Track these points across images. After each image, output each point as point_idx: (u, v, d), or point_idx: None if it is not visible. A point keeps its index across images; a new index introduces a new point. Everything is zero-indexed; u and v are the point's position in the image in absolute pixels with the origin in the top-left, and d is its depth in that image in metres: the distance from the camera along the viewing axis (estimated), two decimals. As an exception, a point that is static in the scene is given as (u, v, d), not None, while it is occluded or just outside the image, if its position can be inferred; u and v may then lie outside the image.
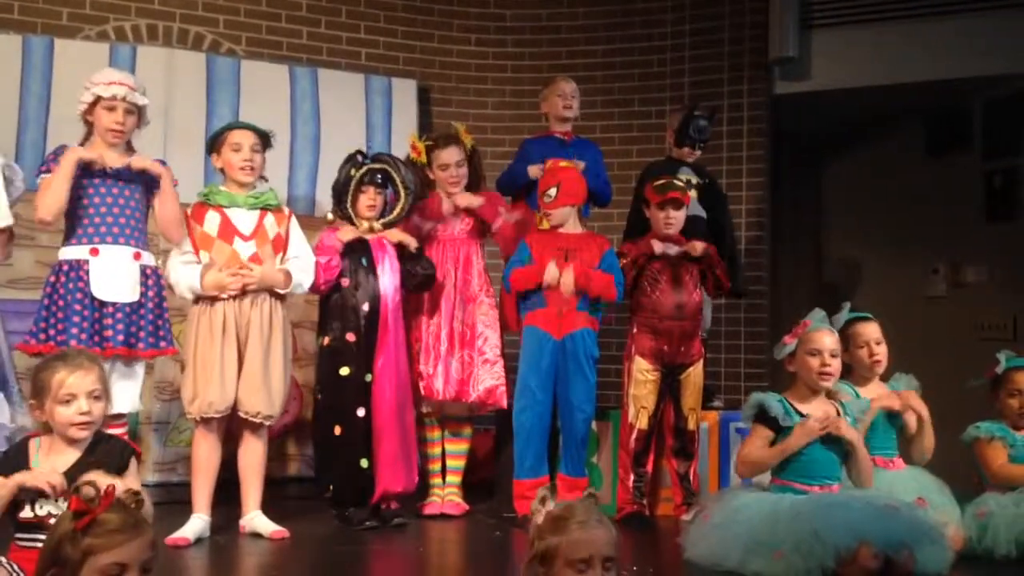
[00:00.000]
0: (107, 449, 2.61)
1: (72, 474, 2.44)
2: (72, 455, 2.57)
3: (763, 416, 3.27)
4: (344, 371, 3.93)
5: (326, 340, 3.99)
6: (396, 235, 4.05)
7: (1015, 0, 5.13)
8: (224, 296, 3.65)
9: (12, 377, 3.46)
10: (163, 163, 3.68)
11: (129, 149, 3.70)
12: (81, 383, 2.56)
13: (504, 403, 4.21)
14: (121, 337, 3.48)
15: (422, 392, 4.17)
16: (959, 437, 3.65)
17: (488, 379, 4.19)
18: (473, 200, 4.24)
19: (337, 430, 3.92)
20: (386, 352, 3.96)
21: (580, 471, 4.17)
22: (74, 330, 3.42)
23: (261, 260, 3.72)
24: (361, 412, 3.91)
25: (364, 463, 3.90)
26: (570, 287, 4.04)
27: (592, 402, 4.16)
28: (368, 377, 3.93)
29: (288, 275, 3.74)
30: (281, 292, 3.74)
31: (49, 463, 2.54)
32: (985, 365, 3.77)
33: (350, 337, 3.94)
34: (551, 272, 4.05)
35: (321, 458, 4.07)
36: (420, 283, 4.10)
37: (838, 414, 3.29)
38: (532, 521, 2.05)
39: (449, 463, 4.33)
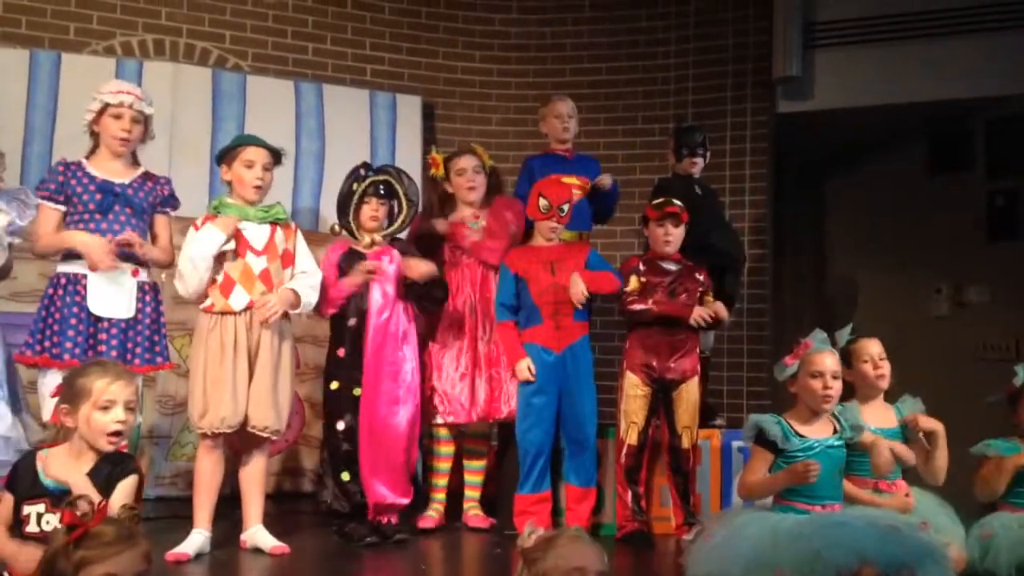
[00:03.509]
0: (117, 466, 2.61)
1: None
2: (87, 466, 2.58)
3: (762, 438, 3.26)
4: (333, 385, 3.96)
5: (340, 352, 4.00)
6: (417, 267, 3.96)
7: (1017, 21, 5.15)
8: (234, 311, 3.65)
9: (20, 390, 3.46)
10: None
11: (135, 162, 3.72)
12: (122, 392, 2.60)
13: None
14: (115, 353, 3.47)
15: (440, 414, 4.20)
16: (963, 457, 3.63)
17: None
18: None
19: (331, 443, 3.95)
20: (375, 366, 3.95)
21: (591, 480, 4.17)
22: (68, 344, 3.42)
23: (271, 275, 3.72)
24: (340, 425, 3.91)
25: (345, 476, 3.90)
26: (580, 293, 4.02)
27: (596, 410, 4.17)
28: (357, 391, 3.93)
29: (298, 296, 3.75)
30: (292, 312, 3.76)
31: (62, 475, 2.55)
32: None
33: (340, 352, 3.96)
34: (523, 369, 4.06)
35: (320, 471, 4.11)
36: (436, 304, 4.13)
37: (835, 431, 3.28)
38: (521, 546, 2.07)
39: (468, 479, 4.36)
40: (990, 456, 3.52)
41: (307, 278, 3.81)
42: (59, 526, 1.95)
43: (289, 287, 3.74)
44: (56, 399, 2.73)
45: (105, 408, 2.57)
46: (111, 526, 1.92)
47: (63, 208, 3.58)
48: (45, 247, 3.61)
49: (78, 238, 3.50)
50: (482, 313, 4.28)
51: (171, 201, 3.77)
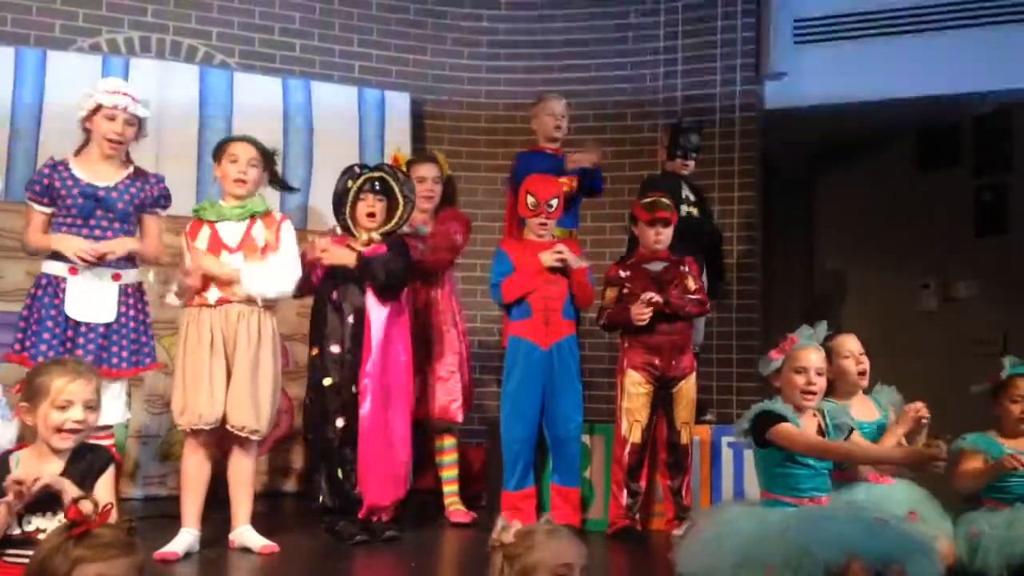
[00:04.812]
0: (91, 459, 2.61)
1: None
2: (56, 465, 2.56)
3: (777, 417, 3.17)
4: (327, 381, 3.90)
5: (314, 351, 3.97)
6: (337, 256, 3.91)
7: (1004, 17, 5.17)
8: (209, 303, 3.64)
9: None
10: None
11: (127, 160, 3.69)
12: (80, 391, 2.57)
13: (459, 418, 4.34)
14: (91, 357, 3.43)
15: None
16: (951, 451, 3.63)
17: (443, 397, 4.30)
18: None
19: (325, 440, 3.91)
20: (372, 364, 3.93)
21: (575, 480, 4.18)
22: (43, 346, 3.41)
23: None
24: (340, 423, 3.88)
25: (339, 473, 3.87)
26: (574, 261, 4.10)
27: (581, 409, 4.18)
28: (354, 389, 3.90)
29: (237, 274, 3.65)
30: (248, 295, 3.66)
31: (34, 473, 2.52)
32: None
33: (335, 348, 3.92)
34: (548, 259, 4.08)
35: (309, 466, 4.08)
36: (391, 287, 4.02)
37: (820, 430, 3.26)
38: (498, 541, 2.06)
39: (443, 475, 4.40)
40: (967, 449, 3.50)
41: (266, 268, 3.70)
42: (63, 520, 1.95)
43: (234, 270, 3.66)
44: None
45: (63, 407, 2.54)
46: (110, 530, 1.93)
47: (48, 211, 3.55)
48: (28, 245, 3.62)
49: (62, 243, 3.48)
50: (423, 315, 4.32)
51: (161, 201, 3.72)
